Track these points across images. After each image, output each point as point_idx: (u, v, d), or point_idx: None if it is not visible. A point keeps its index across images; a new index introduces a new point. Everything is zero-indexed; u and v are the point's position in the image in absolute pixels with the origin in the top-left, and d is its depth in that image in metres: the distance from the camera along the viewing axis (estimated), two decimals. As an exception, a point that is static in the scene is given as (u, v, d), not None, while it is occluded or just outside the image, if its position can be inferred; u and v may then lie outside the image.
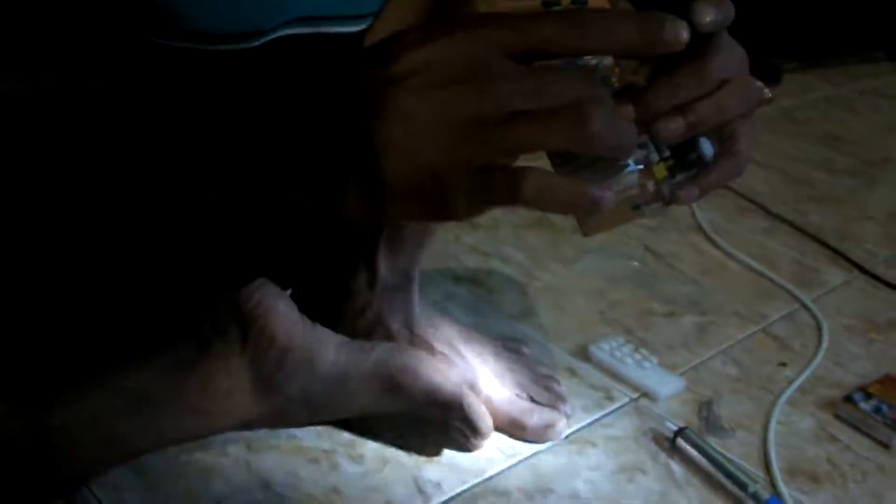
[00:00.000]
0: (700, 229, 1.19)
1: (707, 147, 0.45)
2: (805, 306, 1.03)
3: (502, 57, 0.39)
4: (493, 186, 0.39)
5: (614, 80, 0.43)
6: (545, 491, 0.72)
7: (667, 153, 0.44)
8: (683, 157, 0.44)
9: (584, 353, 0.89)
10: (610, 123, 0.38)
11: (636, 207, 0.43)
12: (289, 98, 0.42)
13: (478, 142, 0.38)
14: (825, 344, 0.95)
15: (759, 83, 0.44)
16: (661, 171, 0.44)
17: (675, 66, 0.42)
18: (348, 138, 0.40)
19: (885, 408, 0.83)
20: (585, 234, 0.46)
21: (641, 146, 0.43)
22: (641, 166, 0.43)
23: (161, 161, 0.44)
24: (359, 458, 0.73)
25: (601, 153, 0.39)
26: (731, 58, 0.43)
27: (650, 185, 0.44)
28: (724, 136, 0.45)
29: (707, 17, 0.41)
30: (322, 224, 0.73)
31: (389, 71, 0.39)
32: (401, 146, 0.39)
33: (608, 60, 0.43)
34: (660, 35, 0.39)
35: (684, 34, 0.39)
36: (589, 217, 0.42)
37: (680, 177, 0.44)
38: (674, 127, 0.42)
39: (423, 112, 0.38)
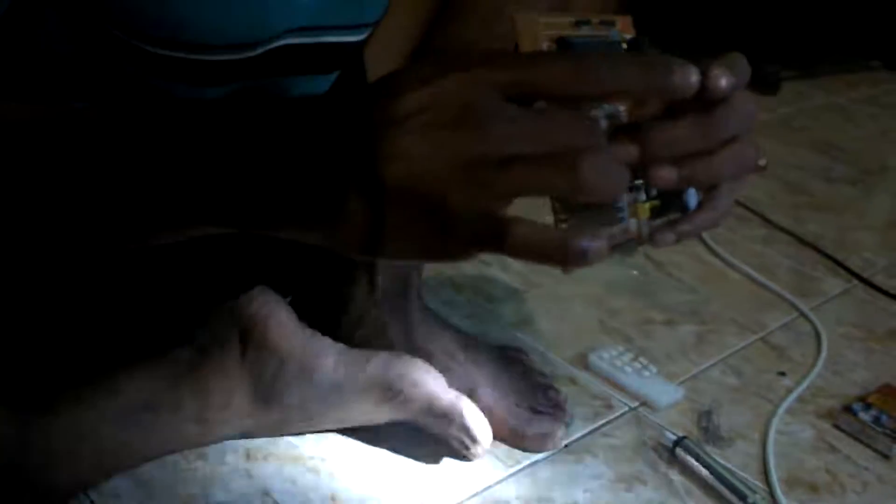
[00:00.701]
0: (699, 238, 1.19)
1: (693, 198, 0.45)
2: (804, 315, 1.03)
3: (500, 98, 0.38)
4: (482, 232, 0.39)
5: (623, 111, 0.42)
6: (544, 500, 0.72)
7: (654, 192, 0.44)
8: (668, 202, 0.44)
9: (583, 362, 0.89)
10: (601, 171, 0.37)
11: (615, 246, 0.43)
12: (294, 131, 0.41)
13: (473, 184, 0.38)
14: (824, 353, 0.95)
15: (758, 149, 0.43)
16: (644, 210, 0.44)
17: (683, 107, 0.41)
18: (354, 175, 0.39)
19: (884, 418, 0.83)
20: (566, 272, 0.45)
21: (634, 188, 0.43)
22: (634, 221, 0.43)
23: (161, 169, 0.44)
24: (357, 467, 0.73)
25: (591, 200, 0.39)
26: (738, 117, 0.41)
27: (632, 224, 0.44)
28: (708, 187, 0.45)
29: (722, 83, 0.40)
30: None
31: (392, 109, 0.38)
32: (402, 186, 0.38)
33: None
34: (669, 81, 0.38)
35: (694, 80, 0.39)
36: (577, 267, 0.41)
37: (660, 220, 0.44)
38: (666, 176, 0.41)
39: (421, 153, 0.38)
